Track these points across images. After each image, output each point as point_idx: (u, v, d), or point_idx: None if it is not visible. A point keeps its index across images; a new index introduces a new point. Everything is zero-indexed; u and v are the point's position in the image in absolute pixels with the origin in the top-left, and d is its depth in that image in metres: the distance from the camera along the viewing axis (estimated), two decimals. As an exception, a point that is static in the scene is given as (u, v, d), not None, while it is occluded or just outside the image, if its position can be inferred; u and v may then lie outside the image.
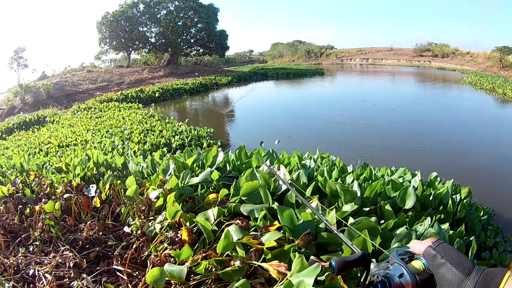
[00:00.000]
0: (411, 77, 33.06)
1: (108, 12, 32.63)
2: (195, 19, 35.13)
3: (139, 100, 18.54)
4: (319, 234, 1.32)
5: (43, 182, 2.57)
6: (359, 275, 0.74)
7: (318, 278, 1.08)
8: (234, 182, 1.74)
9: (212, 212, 1.52)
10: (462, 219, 2.17)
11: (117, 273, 1.46)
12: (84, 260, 1.58)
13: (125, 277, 1.40)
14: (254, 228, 1.43)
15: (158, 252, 1.44)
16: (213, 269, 1.24)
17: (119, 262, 1.47)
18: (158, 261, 1.37)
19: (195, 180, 1.85)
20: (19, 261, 1.59)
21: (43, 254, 1.68)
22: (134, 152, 6.02)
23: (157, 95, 20.22)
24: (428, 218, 1.60)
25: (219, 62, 48.50)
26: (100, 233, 1.79)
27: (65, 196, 2.16)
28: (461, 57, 43.22)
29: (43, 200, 2.25)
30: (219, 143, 7.82)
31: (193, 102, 20.18)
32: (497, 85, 21.45)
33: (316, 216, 1.37)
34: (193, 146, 7.42)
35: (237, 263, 1.18)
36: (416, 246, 0.71)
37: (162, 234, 1.55)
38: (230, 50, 41.50)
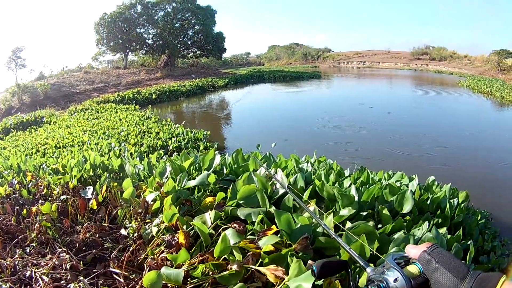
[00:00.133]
0: (408, 81, 33.25)
1: (106, 13, 32.55)
2: (193, 21, 35.10)
3: (136, 101, 18.47)
4: (317, 239, 1.32)
5: (40, 183, 2.56)
6: (351, 283, 0.76)
7: (316, 283, 1.08)
8: (231, 186, 1.75)
9: (209, 216, 1.52)
10: (460, 223, 2.17)
11: (114, 275, 1.45)
12: (81, 262, 1.58)
13: (121, 280, 1.39)
14: (251, 232, 1.43)
15: (155, 255, 1.44)
16: (210, 273, 1.24)
17: (115, 264, 1.46)
18: (155, 264, 1.37)
19: (192, 183, 1.84)
20: (16, 262, 1.59)
21: (39, 256, 1.67)
22: (131, 154, 5.99)
23: (154, 96, 20.17)
24: (426, 223, 1.61)
25: (216, 64, 48.49)
26: (97, 235, 1.79)
27: (62, 197, 2.15)
28: (459, 60, 43.41)
29: (40, 201, 2.24)
30: (215, 146, 7.81)
31: (190, 104, 20.13)
32: (495, 89, 21.53)
33: (313, 220, 1.37)
34: (189, 149, 7.41)
35: (234, 267, 1.18)
36: (411, 250, 0.72)
37: (159, 237, 1.55)
38: (227, 52, 41.54)
